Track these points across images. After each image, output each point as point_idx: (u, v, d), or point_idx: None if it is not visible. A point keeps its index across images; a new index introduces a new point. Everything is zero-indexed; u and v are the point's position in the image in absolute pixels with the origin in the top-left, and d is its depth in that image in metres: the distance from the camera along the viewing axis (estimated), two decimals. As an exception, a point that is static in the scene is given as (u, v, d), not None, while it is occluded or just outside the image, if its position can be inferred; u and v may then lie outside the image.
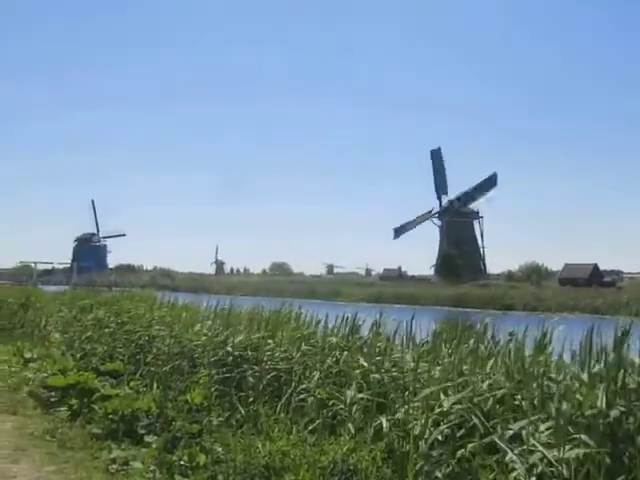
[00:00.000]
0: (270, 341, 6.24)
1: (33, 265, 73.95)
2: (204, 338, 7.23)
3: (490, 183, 77.50)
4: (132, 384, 6.81)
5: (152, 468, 4.74)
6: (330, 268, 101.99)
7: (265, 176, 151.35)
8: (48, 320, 13.20)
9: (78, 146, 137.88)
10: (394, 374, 5.00)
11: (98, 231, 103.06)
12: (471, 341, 5.08)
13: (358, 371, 5.23)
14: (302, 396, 5.31)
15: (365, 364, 5.19)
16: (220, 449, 4.69)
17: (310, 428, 4.78)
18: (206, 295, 11.41)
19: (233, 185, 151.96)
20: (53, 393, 7.17)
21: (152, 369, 7.17)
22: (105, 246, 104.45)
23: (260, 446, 4.44)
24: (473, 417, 3.90)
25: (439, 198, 79.03)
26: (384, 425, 4.22)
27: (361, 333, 6.41)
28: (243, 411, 5.43)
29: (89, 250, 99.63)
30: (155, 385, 6.58)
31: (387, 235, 79.37)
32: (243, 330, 6.83)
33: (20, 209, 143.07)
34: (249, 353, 6.21)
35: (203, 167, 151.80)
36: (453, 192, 78.94)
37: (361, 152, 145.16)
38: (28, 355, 9.86)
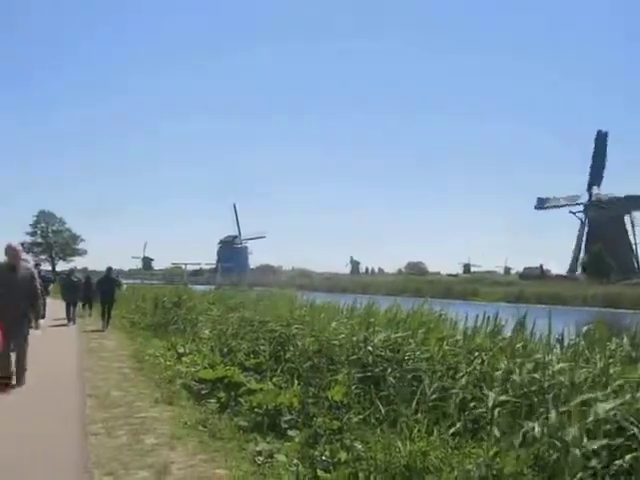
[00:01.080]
0: (411, 340, 6.16)
1: (183, 266, 79.05)
2: (342, 337, 7.32)
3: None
4: (274, 379, 7.03)
5: (295, 462, 4.84)
6: (467, 267, 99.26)
7: (393, 177, 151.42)
8: (198, 317, 14.03)
9: (223, 156, 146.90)
10: (537, 376, 4.74)
11: (240, 234, 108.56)
12: (625, 343, 4.68)
13: (498, 372, 5.02)
14: (442, 396, 5.19)
15: (509, 365, 4.96)
16: (360, 446, 4.69)
17: (452, 431, 4.65)
18: (342, 294, 11.55)
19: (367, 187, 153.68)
20: (203, 386, 7.59)
21: (292, 366, 7.34)
22: (246, 248, 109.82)
23: (401, 445, 4.39)
24: (632, 426, 3.59)
25: (589, 189, 73.24)
26: (535, 430, 3.99)
27: (503, 334, 6.17)
28: (383, 410, 5.40)
29: (232, 252, 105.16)
30: (296, 381, 6.73)
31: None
32: (382, 330, 6.81)
33: (170, 214, 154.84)
34: (389, 353, 6.17)
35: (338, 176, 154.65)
36: (606, 187, 72.97)
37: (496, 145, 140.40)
38: (181, 350, 10.51)
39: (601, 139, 71.86)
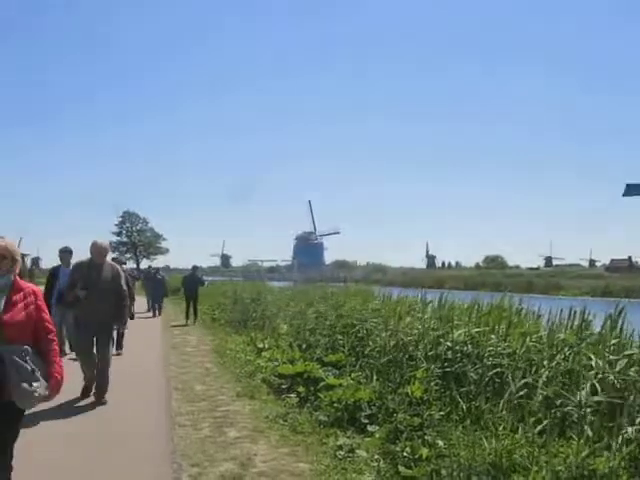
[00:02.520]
0: (492, 336, 6.00)
1: (260, 263, 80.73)
2: (419, 331, 7.23)
3: None
4: (353, 375, 7.02)
5: (376, 457, 4.83)
6: (548, 260, 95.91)
7: (472, 166, 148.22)
8: (277, 313, 14.24)
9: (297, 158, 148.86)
10: (633, 374, 4.50)
11: (315, 229, 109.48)
12: None
13: (592, 372, 4.80)
14: (526, 393, 5.02)
15: (599, 362, 4.73)
16: (442, 443, 4.62)
17: (538, 429, 4.49)
18: (418, 289, 11.38)
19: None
20: (283, 381, 7.69)
21: (371, 361, 7.32)
22: (322, 244, 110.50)
23: (485, 443, 4.28)
24: None
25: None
26: (629, 431, 3.79)
27: (591, 329, 5.90)
28: (464, 407, 5.29)
29: (307, 248, 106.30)
30: (375, 377, 6.71)
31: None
32: (462, 324, 6.68)
33: (246, 212, 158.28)
34: (469, 348, 6.04)
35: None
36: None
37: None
38: (260, 345, 10.72)
39: None
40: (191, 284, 18.16)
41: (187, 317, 17.81)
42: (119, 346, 10.96)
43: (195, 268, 19.27)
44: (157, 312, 20.09)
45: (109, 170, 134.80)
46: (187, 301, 18.10)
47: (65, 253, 9.84)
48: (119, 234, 75.13)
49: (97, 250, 7.09)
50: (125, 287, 7.34)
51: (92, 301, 6.90)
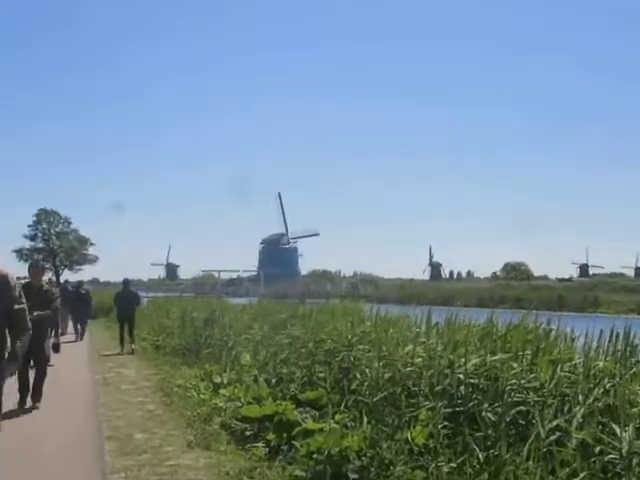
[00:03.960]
0: (514, 364, 6.06)
1: (216, 274, 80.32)
2: (419, 360, 7.26)
3: None
4: (337, 417, 7.01)
5: (368, 523, 4.86)
6: (584, 269, 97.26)
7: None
8: (238, 339, 14.21)
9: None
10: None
11: (287, 231, 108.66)
12: None
13: (636, 409, 4.88)
14: (557, 438, 5.08)
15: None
16: (453, 504, 4.66)
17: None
18: (418, 306, 11.43)
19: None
20: (248, 426, 7.69)
21: (360, 399, 7.34)
22: (295, 249, 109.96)
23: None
24: None
25: None
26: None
27: (638, 356, 6.01)
28: (481, 456, 5.33)
29: (277, 254, 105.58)
30: (365, 419, 6.72)
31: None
32: (474, 351, 6.73)
33: (197, 212, 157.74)
34: (484, 381, 6.09)
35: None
36: None
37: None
38: (217, 380, 10.67)
39: None
40: (125, 302, 18.39)
41: (122, 344, 17.89)
42: (35, 395, 10.00)
43: (127, 282, 19.49)
44: (79, 336, 20.46)
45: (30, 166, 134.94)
46: (121, 324, 18.26)
47: None
48: (33, 238, 74.25)
49: None
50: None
51: None
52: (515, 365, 6.10)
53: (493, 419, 5.62)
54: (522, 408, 5.57)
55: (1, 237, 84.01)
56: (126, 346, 17.72)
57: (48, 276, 10.95)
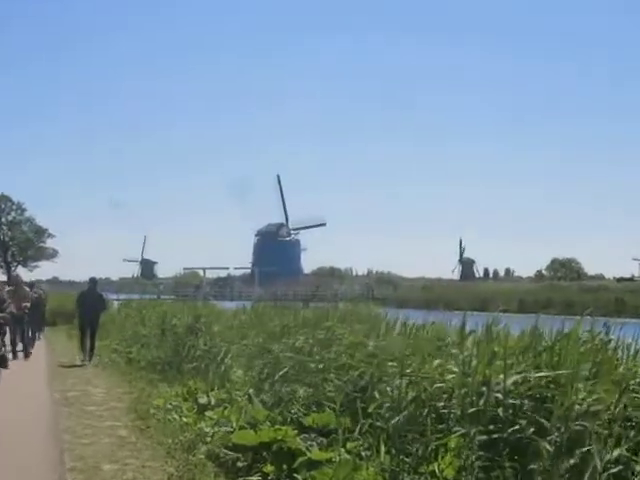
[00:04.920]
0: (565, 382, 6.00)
1: (201, 272, 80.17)
2: (451, 377, 7.21)
3: None
4: (349, 445, 7.03)
5: None
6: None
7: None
8: (228, 350, 14.18)
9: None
10: None
11: (287, 220, 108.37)
12: None
13: None
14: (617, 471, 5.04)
15: None
16: None
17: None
18: (446, 312, 11.37)
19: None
20: (240, 455, 7.66)
21: (377, 423, 7.31)
22: (297, 242, 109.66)
23: None
24: None
25: None
26: None
27: None
28: (526, 494, 5.29)
29: (275, 248, 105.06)
30: (383, 447, 6.70)
31: None
32: (515, 366, 6.67)
33: (183, 202, 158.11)
34: (528, 402, 6.04)
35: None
36: None
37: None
38: (203, 400, 10.69)
39: None
40: (89, 305, 18.80)
41: (84, 353, 18.30)
42: None
43: (94, 281, 19.99)
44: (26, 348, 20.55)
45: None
46: (82, 330, 18.73)
47: None
48: (-21, 228, 74.40)
49: None
50: None
51: None
52: (565, 382, 6.05)
53: (540, 448, 5.56)
54: (577, 436, 5.51)
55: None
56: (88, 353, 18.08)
57: None
